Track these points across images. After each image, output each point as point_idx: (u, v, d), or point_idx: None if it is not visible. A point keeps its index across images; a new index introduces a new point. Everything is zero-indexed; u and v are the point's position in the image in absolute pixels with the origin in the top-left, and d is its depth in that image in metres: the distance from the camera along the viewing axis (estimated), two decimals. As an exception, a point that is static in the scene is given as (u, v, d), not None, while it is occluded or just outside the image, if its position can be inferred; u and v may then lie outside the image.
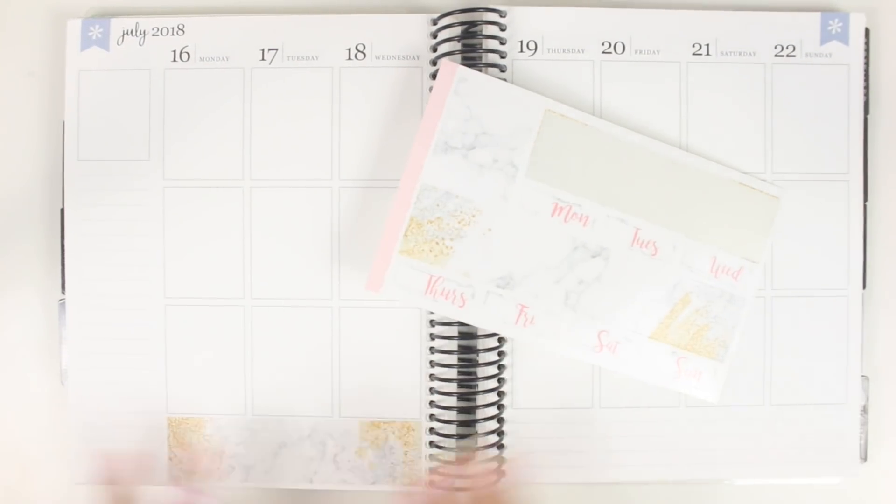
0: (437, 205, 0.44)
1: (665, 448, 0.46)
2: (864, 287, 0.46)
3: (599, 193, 0.44)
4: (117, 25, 0.47)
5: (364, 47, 0.46)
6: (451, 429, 0.45)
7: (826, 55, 0.46)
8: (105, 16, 0.47)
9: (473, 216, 0.44)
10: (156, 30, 0.46)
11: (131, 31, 0.47)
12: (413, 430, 0.46)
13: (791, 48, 0.46)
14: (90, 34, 0.47)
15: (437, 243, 0.44)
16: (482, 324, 0.44)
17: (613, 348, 0.45)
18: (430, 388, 0.45)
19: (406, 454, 0.46)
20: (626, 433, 0.46)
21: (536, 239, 0.44)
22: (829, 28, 0.46)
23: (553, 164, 0.44)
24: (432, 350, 0.45)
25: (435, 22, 0.46)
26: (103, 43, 0.47)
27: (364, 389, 0.46)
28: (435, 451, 0.45)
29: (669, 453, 0.46)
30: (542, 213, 0.44)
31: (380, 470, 0.46)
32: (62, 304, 0.47)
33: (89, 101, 0.47)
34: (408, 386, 0.46)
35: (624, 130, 0.45)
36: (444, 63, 0.44)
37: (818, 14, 0.46)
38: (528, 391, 0.46)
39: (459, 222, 0.44)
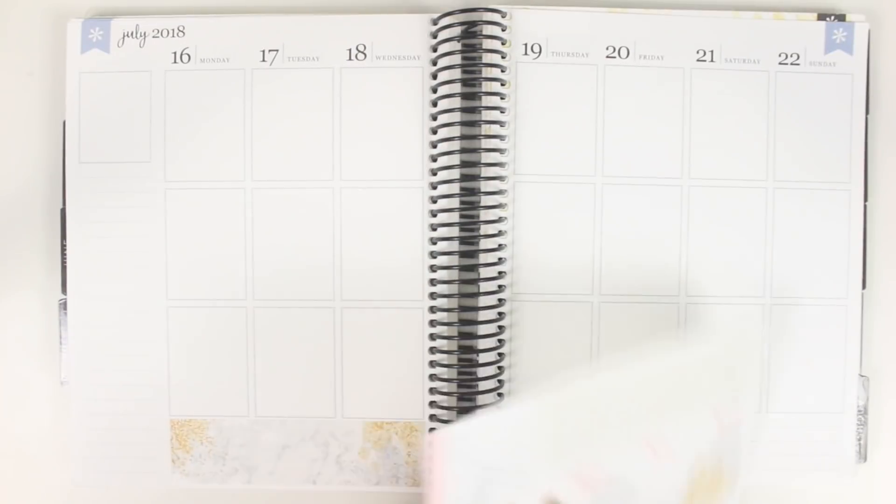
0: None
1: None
2: (864, 288, 0.47)
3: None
4: (117, 27, 0.46)
5: (364, 47, 0.46)
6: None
7: (830, 64, 0.47)
8: (105, 16, 0.47)
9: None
10: (156, 31, 0.46)
11: (132, 33, 0.46)
12: (416, 430, 0.46)
13: (795, 56, 0.47)
14: (90, 36, 0.46)
15: None
16: None
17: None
18: (431, 389, 0.46)
19: (409, 455, 0.46)
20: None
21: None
22: (834, 37, 0.47)
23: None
24: (433, 350, 0.46)
25: (435, 22, 0.45)
26: (104, 45, 0.46)
27: (367, 390, 0.46)
28: None
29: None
30: None
31: (383, 471, 0.46)
32: (63, 304, 0.46)
33: (90, 103, 0.46)
34: (410, 386, 0.46)
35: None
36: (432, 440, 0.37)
37: (823, 23, 0.46)
38: (528, 390, 0.46)
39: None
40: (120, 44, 0.46)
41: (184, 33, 0.46)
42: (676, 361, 0.40)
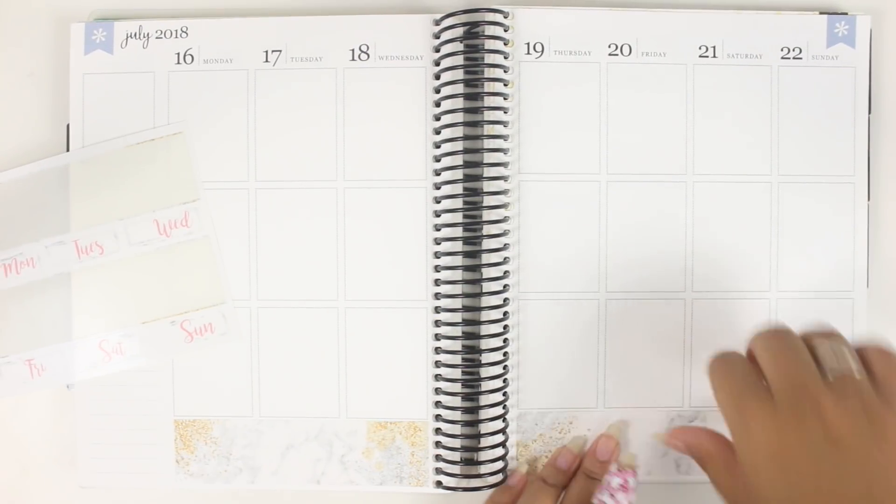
0: None
1: (666, 448, 0.46)
2: (868, 286, 0.47)
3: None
4: (121, 29, 0.46)
5: (367, 48, 0.46)
6: (457, 429, 0.45)
7: (832, 58, 0.46)
8: (108, 19, 0.47)
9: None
10: (159, 32, 0.46)
11: (135, 34, 0.46)
12: (420, 430, 0.46)
13: (797, 50, 0.46)
14: (94, 38, 0.47)
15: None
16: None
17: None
18: (436, 389, 0.46)
19: (413, 455, 0.46)
20: (630, 430, 0.46)
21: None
22: (836, 31, 0.47)
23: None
24: (437, 350, 0.45)
25: (437, 22, 0.45)
26: (107, 46, 0.47)
27: (371, 389, 0.46)
28: (440, 451, 0.46)
29: (671, 452, 0.46)
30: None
31: (387, 470, 0.46)
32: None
33: (94, 104, 0.47)
34: (414, 386, 0.46)
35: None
36: None
37: (825, 17, 0.46)
38: (532, 391, 0.46)
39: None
40: (123, 45, 0.46)
41: (187, 34, 0.46)
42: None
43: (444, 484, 0.46)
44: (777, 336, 0.37)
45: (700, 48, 0.46)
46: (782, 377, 0.35)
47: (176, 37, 0.46)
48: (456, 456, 0.45)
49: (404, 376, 0.46)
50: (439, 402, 0.46)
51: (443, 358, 0.46)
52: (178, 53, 0.46)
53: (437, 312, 0.46)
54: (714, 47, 0.46)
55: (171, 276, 0.46)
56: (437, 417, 0.46)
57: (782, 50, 0.46)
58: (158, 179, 0.46)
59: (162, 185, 0.46)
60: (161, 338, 0.46)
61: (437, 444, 0.46)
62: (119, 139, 0.46)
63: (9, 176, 0.47)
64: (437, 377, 0.46)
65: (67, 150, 0.46)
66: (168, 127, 0.46)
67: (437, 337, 0.46)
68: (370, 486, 0.46)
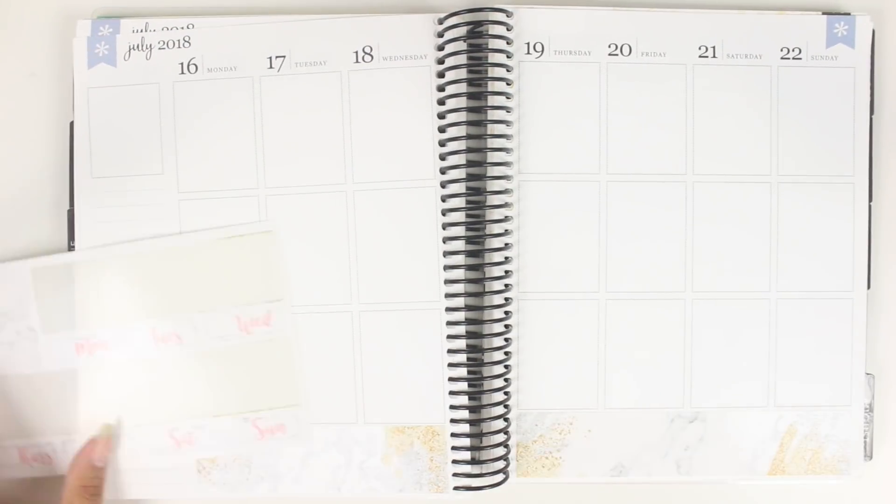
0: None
1: (667, 448, 0.47)
2: (869, 287, 0.47)
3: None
4: (123, 41, 0.46)
5: (371, 49, 0.46)
6: (464, 429, 0.45)
7: (832, 58, 0.47)
8: (112, 16, 0.46)
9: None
10: (162, 43, 0.46)
11: (137, 46, 0.46)
12: (438, 434, 0.46)
13: (797, 51, 0.47)
14: (97, 51, 0.46)
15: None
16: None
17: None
18: (451, 391, 0.46)
19: (432, 460, 0.46)
20: (631, 432, 0.47)
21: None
22: (836, 31, 0.47)
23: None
24: (450, 352, 0.45)
25: (441, 22, 0.45)
26: (110, 59, 0.46)
27: (387, 394, 0.46)
28: (454, 453, 0.46)
29: (671, 452, 0.47)
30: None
31: (407, 476, 0.46)
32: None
33: (99, 118, 0.46)
34: (430, 389, 0.46)
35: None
36: None
37: (824, 17, 0.47)
38: (532, 391, 0.46)
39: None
40: (126, 57, 0.46)
41: (189, 43, 0.46)
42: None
43: (454, 486, 0.46)
44: None
45: (700, 48, 0.47)
46: None
47: (178, 47, 0.46)
48: (466, 456, 0.45)
49: (420, 379, 0.46)
50: (452, 404, 0.46)
51: (454, 359, 0.46)
52: (182, 63, 0.46)
53: (448, 312, 0.45)
54: (714, 47, 0.47)
55: (247, 372, 0.46)
56: (455, 421, 0.46)
57: (782, 50, 0.47)
58: (244, 275, 0.45)
59: (247, 280, 0.45)
60: (232, 432, 0.46)
61: (454, 447, 0.46)
62: (208, 231, 0.46)
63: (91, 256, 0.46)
64: (452, 379, 0.46)
65: (71, 152, 0.46)
66: (259, 224, 0.45)
67: (450, 337, 0.46)
68: (390, 493, 0.46)
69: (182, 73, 0.46)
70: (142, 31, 0.46)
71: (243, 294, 0.46)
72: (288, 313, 0.46)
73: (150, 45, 0.46)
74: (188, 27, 0.46)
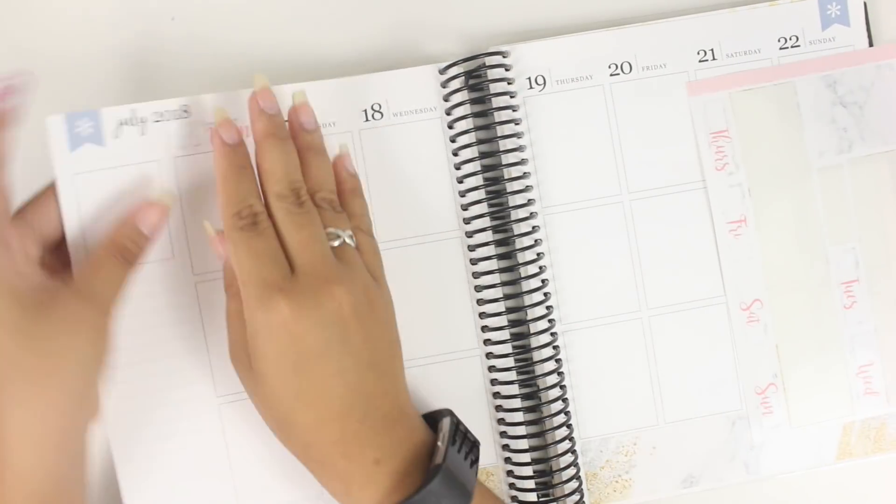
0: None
1: (732, 451, 0.47)
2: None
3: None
4: (110, 116, 0.42)
5: (380, 106, 0.45)
6: (528, 470, 0.45)
7: (830, 39, 0.47)
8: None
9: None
10: (157, 115, 0.43)
11: (129, 120, 0.42)
12: (492, 475, 0.46)
13: (794, 38, 0.47)
14: (77, 130, 0.42)
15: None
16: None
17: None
18: (502, 433, 0.45)
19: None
20: (694, 442, 0.47)
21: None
22: (828, 12, 0.47)
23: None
24: (496, 395, 0.45)
25: (443, 72, 0.45)
26: (97, 138, 0.42)
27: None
28: (515, 493, 0.45)
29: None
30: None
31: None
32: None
33: (91, 207, 0.42)
34: (479, 434, 0.44)
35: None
36: None
37: (815, 0, 0.47)
38: (591, 420, 0.46)
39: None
40: (116, 134, 0.42)
41: (189, 113, 0.43)
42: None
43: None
44: (293, 198, 0.40)
45: (699, 53, 0.47)
46: (305, 262, 0.38)
47: (176, 118, 0.43)
48: (532, 497, 0.45)
49: (468, 424, 0.44)
50: (506, 445, 0.45)
51: (503, 403, 0.45)
52: (183, 136, 0.43)
53: (489, 359, 0.45)
54: (712, 50, 0.47)
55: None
56: (508, 460, 0.45)
57: (779, 41, 0.47)
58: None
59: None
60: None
61: (511, 486, 0.46)
62: None
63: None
64: (501, 421, 0.45)
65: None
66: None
67: (494, 382, 0.45)
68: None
69: (184, 146, 0.43)
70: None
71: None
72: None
73: (144, 119, 0.43)
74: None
